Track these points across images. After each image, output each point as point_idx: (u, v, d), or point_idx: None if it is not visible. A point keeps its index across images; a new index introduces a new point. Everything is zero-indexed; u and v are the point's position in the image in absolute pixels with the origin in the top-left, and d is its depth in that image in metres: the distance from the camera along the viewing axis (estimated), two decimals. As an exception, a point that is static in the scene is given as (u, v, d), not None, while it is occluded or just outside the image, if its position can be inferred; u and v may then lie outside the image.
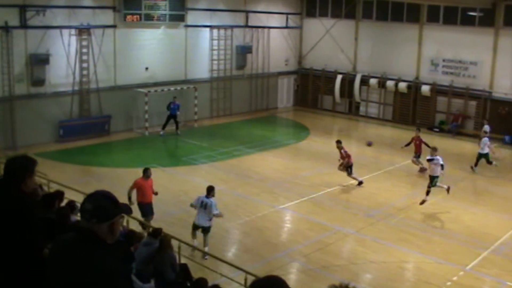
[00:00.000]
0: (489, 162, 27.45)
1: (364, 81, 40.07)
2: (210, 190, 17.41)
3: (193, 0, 35.72)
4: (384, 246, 18.70)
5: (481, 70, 35.62)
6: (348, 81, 40.68)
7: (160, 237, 13.04)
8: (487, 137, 28.20)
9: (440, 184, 22.70)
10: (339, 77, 40.90)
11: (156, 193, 18.37)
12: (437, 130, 36.50)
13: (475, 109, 36.20)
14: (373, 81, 39.51)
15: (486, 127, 30.65)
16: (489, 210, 22.70)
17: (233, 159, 28.57)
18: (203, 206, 17.14)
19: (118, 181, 24.01)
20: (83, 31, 30.55)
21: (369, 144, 28.90)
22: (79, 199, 9.88)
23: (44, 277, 4.33)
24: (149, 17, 32.97)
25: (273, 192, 23.62)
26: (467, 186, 25.96)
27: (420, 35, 37.88)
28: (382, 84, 39.30)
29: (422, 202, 22.15)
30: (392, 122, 39.05)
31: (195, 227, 17.39)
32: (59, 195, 12.84)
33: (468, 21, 36.12)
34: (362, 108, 40.93)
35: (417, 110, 38.30)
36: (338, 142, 25.28)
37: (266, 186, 24.30)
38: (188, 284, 11.74)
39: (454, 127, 35.90)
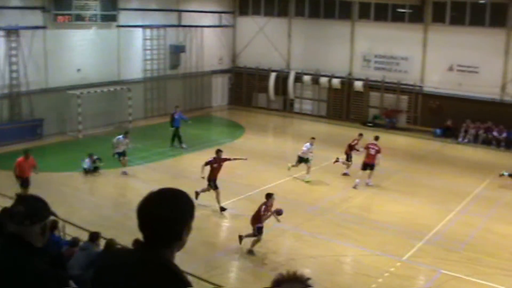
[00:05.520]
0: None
1: (298, 78, 40.37)
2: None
3: (125, 0, 35.29)
4: (322, 240, 18.88)
5: (412, 65, 36.42)
6: (282, 78, 40.92)
7: (106, 241, 12.78)
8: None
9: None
10: (273, 74, 41.09)
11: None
12: (370, 124, 37.06)
13: (407, 104, 36.99)
14: (306, 78, 39.85)
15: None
16: (422, 202, 23.23)
17: (169, 160, 28.38)
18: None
19: (52, 185, 23.55)
20: (11, 32, 29.81)
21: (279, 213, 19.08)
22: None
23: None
24: (80, 18, 32.37)
25: (210, 191, 23.52)
26: (400, 179, 26.46)
27: (352, 31, 38.41)
28: (315, 80, 39.68)
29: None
30: (327, 118, 39.46)
31: None
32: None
33: (398, 18, 36.98)
34: (296, 105, 41.23)
35: (351, 106, 38.87)
36: (219, 151, 22.13)
37: (203, 185, 24.17)
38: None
39: (391, 123, 36.51)
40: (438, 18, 35.69)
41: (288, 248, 18.56)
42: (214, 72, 42.57)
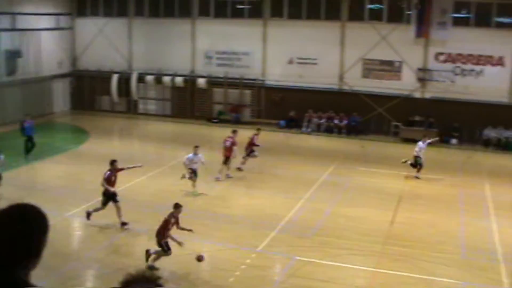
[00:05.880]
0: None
1: (141, 79, 39.94)
2: None
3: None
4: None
5: (253, 60, 37.18)
6: (124, 79, 40.30)
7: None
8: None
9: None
10: (115, 76, 40.35)
11: None
12: (215, 120, 37.42)
13: (250, 98, 37.68)
14: (149, 78, 39.54)
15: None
16: (272, 192, 23.84)
17: (11, 172, 26.89)
18: None
19: None
20: None
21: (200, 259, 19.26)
22: None
23: None
24: None
25: (58, 200, 22.65)
26: (249, 172, 26.84)
27: (192, 29, 38.58)
28: (158, 80, 39.47)
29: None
30: (172, 117, 39.36)
31: None
32: None
33: (238, 14, 37.67)
34: (141, 106, 40.80)
35: (195, 103, 39.04)
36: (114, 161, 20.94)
37: (50, 195, 23.24)
38: None
39: (237, 118, 36.98)
40: (276, 13, 36.76)
41: (143, 251, 18.24)
42: (55, 77, 41.04)
